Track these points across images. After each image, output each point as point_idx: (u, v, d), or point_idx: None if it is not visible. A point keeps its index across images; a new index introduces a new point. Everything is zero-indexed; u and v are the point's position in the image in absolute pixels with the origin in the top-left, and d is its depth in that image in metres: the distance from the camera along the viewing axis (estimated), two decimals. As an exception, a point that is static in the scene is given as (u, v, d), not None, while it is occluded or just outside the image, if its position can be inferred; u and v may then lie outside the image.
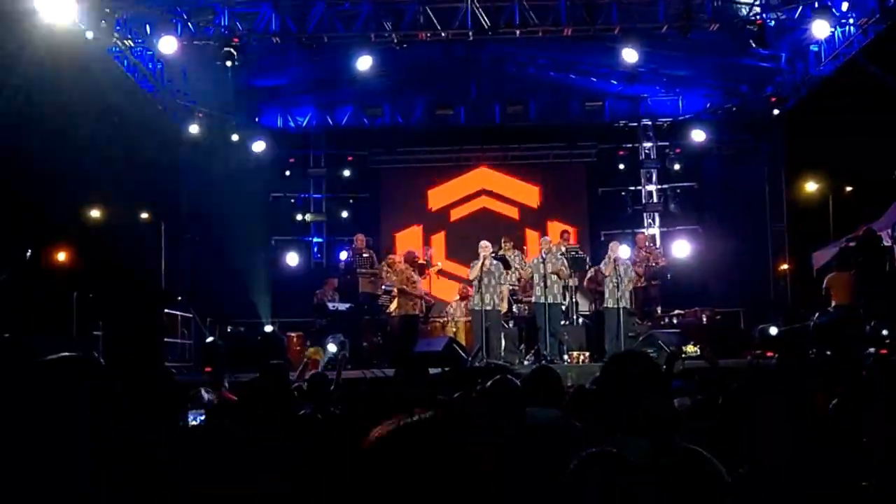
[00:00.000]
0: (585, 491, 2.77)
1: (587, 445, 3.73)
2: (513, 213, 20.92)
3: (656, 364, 3.46)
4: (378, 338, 16.57)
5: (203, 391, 9.68)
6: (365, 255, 17.23)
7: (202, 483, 3.17)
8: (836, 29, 16.14)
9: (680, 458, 2.98)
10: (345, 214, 21.17)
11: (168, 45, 15.43)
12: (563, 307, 15.80)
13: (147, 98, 17.57)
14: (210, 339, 16.50)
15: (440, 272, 18.32)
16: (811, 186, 19.32)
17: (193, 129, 18.57)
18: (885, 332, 14.04)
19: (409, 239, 20.15)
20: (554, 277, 14.88)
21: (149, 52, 16.78)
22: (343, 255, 18.47)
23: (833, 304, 14.56)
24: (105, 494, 2.02)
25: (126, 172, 16.64)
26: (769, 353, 14.97)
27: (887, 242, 15.00)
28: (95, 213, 18.34)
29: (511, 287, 15.98)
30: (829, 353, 14.21)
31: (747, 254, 19.98)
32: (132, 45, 16.24)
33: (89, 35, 14.68)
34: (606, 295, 15.05)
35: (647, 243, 18.01)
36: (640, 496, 2.80)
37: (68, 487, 1.96)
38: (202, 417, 7.70)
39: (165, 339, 15.64)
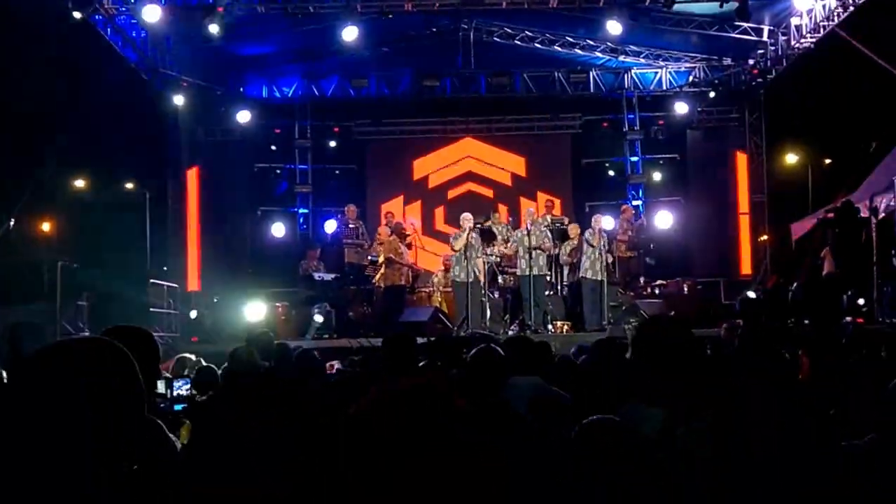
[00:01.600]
0: (588, 458, 2.81)
1: (575, 414, 3.82)
2: (502, 181, 20.97)
3: (692, 334, 3.45)
4: (364, 308, 16.70)
5: (188, 355, 9.70)
6: (352, 225, 17.33)
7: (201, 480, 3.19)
8: (816, 2, 16.26)
9: (694, 432, 3.03)
10: (331, 185, 21.21)
11: (152, 13, 15.39)
12: (548, 278, 15.98)
13: (131, 67, 17.54)
14: (195, 311, 16.60)
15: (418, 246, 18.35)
16: (791, 158, 19.52)
17: (178, 98, 18.56)
18: (861, 302, 14.31)
19: (393, 209, 20.19)
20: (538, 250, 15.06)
21: (133, 21, 16.73)
22: (330, 225, 18.56)
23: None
24: (106, 495, 1.97)
25: (110, 142, 16.68)
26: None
27: (864, 214, 15.20)
28: (80, 184, 18.36)
29: (496, 258, 16.12)
30: (807, 322, 14.48)
31: (728, 225, 20.24)
32: (116, 13, 16.21)
33: (76, 15, 14.65)
34: (586, 265, 15.22)
35: (631, 215, 18.17)
36: (642, 466, 2.83)
37: (66, 488, 1.90)
38: (187, 387, 7.77)
39: (151, 310, 15.74)
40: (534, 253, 14.92)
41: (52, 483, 1.88)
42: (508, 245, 16.02)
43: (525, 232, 15.20)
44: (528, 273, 14.96)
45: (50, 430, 1.90)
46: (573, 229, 16.26)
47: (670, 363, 3.21)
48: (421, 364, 6.83)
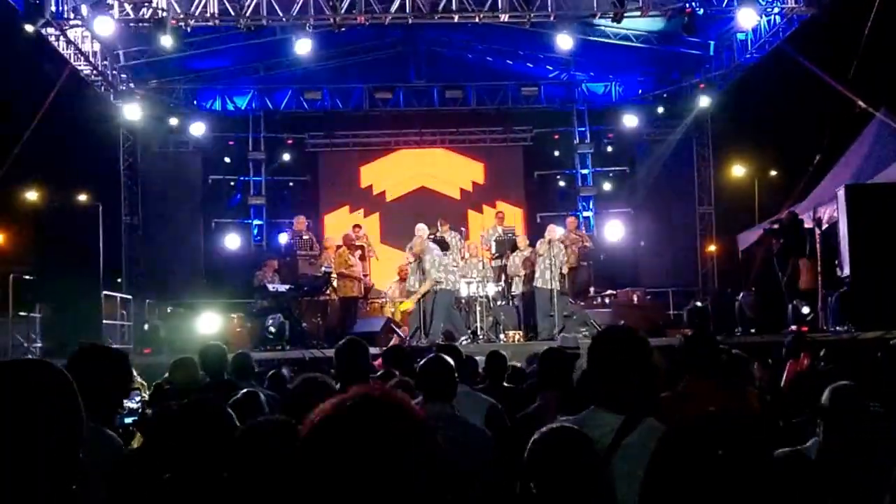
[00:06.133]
0: (549, 465, 2.88)
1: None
2: (454, 193, 21.17)
3: (647, 342, 3.59)
4: (318, 319, 16.72)
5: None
6: (304, 237, 17.37)
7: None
8: (762, 18, 16.64)
9: (644, 438, 3.16)
10: (285, 197, 21.26)
11: (104, 26, 15.37)
12: (499, 288, 16.18)
13: (85, 80, 17.48)
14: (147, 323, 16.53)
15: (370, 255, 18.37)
16: (738, 171, 19.91)
17: (131, 110, 18.51)
18: (805, 311, 14.63)
19: (346, 221, 20.25)
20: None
21: (86, 34, 16.69)
22: (283, 238, 18.58)
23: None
24: None
25: (64, 155, 16.61)
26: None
27: (809, 224, 15.55)
28: (32, 195, 18.24)
29: (452, 268, 16.23)
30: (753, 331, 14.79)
31: (676, 236, 20.57)
32: (68, 26, 16.16)
33: (28, 28, 14.58)
34: (537, 275, 15.38)
35: (576, 226, 18.35)
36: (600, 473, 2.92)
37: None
38: (137, 399, 7.81)
39: (104, 321, 15.65)
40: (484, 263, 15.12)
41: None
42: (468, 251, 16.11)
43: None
44: (448, 287, 15.16)
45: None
46: (521, 240, 16.42)
47: (624, 372, 3.34)
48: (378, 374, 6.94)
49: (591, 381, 3.49)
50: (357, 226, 18.45)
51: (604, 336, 3.60)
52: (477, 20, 16.27)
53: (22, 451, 1.92)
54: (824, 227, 15.30)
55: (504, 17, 16.11)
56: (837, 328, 13.70)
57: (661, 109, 20.16)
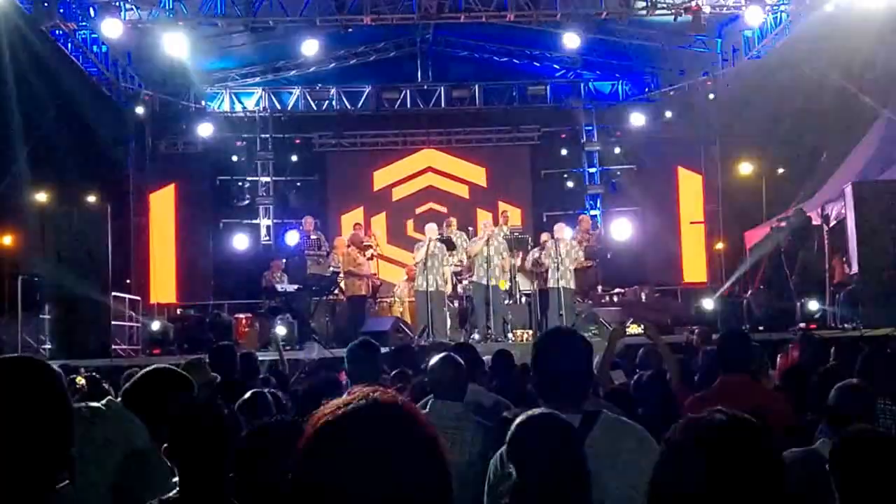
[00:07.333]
0: (532, 450, 2.92)
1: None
2: (461, 192, 21.17)
3: (585, 340, 3.68)
4: (326, 319, 16.77)
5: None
6: (313, 237, 17.41)
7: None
8: (768, 15, 16.64)
9: (605, 431, 3.20)
10: (293, 198, 21.28)
11: (112, 28, 15.44)
12: (507, 286, 16.18)
13: (93, 81, 17.54)
14: (156, 323, 16.58)
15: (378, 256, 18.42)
16: (745, 168, 19.87)
17: (140, 112, 18.58)
18: (814, 308, 14.63)
19: (355, 221, 20.30)
20: (496, 260, 15.17)
21: (94, 36, 16.77)
22: (292, 237, 18.63)
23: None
24: None
25: (72, 156, 16.67)
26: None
27: (816, 222, 15.54)
28: (41, 197, 18.28)
29: (456, 268, 16.27)
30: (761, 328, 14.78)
31: (684, 234, 20.57)
32: (76, 27, 16.23)
33: (44, 30, 14.66)
34: (549, 275, 15.37)
35: (590, 225, 18.32)
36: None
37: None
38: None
39: (113, 322, 15.70)
40: (491, 263, 15.06)
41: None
42: (471, 247, 16.10)
43: (484, 241, 15.35)
44: (485, 282, 15.11)
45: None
46: (546, 237, 16.35)
47: (572, 372, 3.42)
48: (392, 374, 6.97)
49: (540, 384, 3.56)
50: (358, 224, 18.47)
51: (547, 340, 3.69)
52: (483, 19, 16.32)
53: (9, 447, 1.94)
54: (832, 223, 15.30)
55: (511, 17, 16.15)
56: (845, 325, 13.71)
57: (668, 107, 20.13)
